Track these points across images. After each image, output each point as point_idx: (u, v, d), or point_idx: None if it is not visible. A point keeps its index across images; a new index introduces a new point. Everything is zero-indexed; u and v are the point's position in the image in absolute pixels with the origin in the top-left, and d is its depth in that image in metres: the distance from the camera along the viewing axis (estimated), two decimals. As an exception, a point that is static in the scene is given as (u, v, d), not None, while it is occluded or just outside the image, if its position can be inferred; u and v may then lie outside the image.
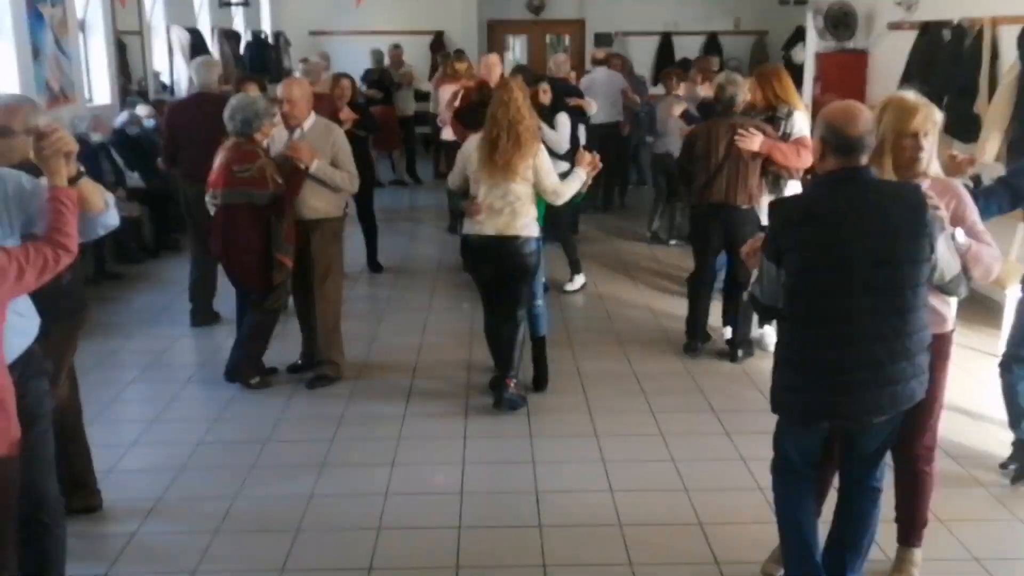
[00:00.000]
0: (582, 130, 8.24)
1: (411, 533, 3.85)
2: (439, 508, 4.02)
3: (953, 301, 3.27)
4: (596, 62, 11.11)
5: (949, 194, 3.19)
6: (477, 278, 5.20)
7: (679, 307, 6.89)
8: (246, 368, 5.43)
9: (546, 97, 7.06)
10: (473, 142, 4.98)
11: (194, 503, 4.10)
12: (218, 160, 5.19)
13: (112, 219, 3.08)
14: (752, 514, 3.94)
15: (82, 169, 2.91)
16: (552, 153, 5.48)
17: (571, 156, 6.05)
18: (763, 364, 5.71)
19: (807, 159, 5.41)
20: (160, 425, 4.98)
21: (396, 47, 13.14)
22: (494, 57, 8.16)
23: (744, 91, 5.80)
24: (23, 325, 2.91)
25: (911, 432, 3.27)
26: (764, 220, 5.41)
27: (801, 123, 5.76)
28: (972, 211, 3.23)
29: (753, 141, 5.48)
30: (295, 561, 3.63)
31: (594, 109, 8.88)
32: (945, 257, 2.95)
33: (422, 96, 12.97)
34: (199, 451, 4.62)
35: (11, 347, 2.81)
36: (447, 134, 8.74)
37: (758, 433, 4.65)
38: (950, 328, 3.30)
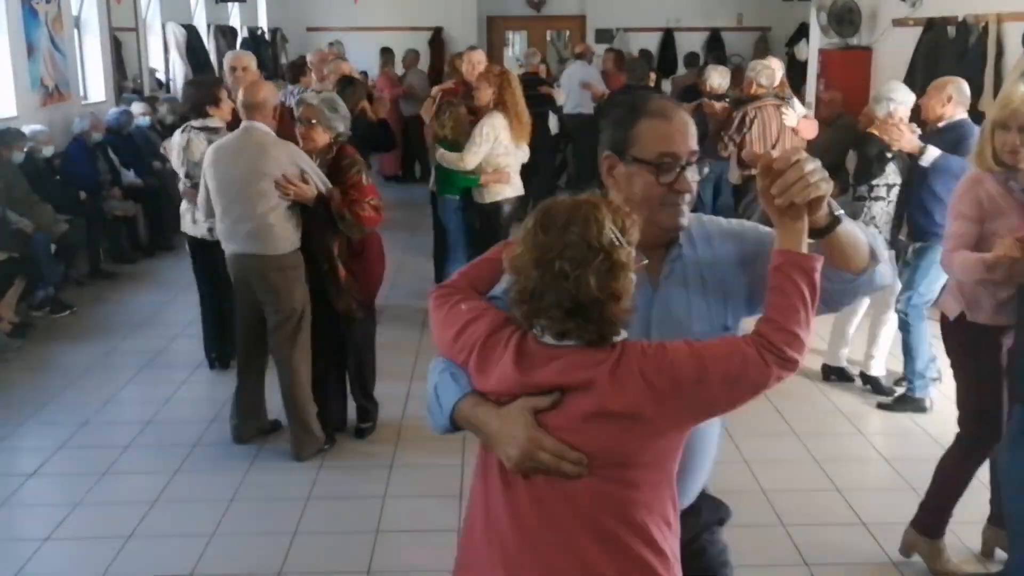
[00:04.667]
0: (553, 119, 9.07)
1: (409, 536, 3.80)
2: (438, 511, 3.97)
3: None
4: (577, 56, 11.38)
5: None
6: None
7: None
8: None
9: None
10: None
11: (193, 503, 4.06)
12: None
13: None
14: (752, 515, 3.89)
15: None
16: None
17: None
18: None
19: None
20: (156, 427, 4.92)
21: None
22: (479, 54, 7.02)
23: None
24: None
25: None
26: None
27: None
28: None
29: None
30: (293, 563, 3.57)
31: (562, 99, 9.40)
32: None
33: None
34: (195, 452, 4.57)
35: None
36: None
37: (759, 435, 4.61)
38: None
